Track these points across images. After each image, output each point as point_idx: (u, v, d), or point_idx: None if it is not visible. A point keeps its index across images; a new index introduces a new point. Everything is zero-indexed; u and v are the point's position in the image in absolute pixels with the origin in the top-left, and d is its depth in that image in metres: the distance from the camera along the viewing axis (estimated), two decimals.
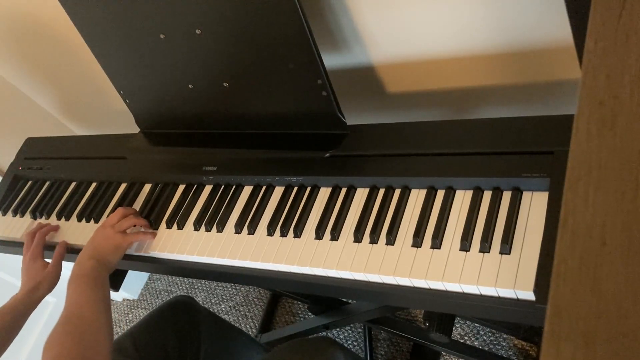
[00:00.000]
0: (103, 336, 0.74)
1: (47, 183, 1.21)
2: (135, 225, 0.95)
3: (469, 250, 0.71)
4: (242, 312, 1.69)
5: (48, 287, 0.95)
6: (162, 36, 0.91)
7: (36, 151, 1.28)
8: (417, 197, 0.80)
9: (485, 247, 0.70)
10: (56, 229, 1.08)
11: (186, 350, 1.01)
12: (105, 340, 0.74)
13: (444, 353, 1.32)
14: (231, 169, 0.98)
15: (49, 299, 1.66)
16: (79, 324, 0.74)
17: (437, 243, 0.73)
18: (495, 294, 0.67)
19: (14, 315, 0.90)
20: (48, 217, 1.13)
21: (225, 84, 0.94)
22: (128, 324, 1.84)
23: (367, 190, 0.85)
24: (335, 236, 0.81)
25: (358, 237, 0.79)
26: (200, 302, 1.51)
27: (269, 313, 1.62)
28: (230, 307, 1.72)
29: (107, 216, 1.04)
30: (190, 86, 0.98)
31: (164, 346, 0.99)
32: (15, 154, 1.31)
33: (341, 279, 0.78)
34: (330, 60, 1.03)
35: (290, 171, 0.91)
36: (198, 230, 0.94)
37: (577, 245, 0.37)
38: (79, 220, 1.08)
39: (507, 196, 0.74)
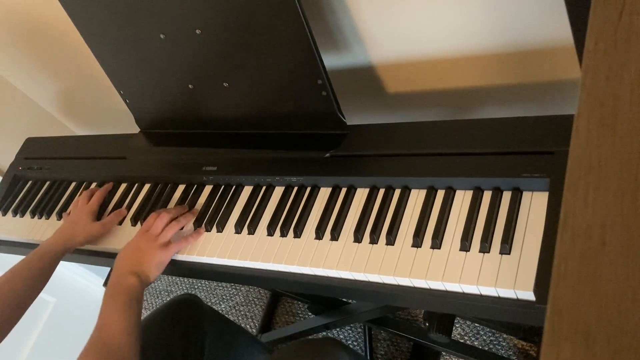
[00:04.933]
0: None
1: (47, 183, 1.21)
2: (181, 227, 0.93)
3: (469, 250, 0.71)
4: (242, 312, 1.69)
5: (82, 242, 0.95)
6: (162, 36, 0.91)
7: (36, 151, 1.28)
8: (417, 197, 0.80)
9: (485, 247, 0.70)
10: (110, 187, 1.08)
11: (190, 348, 1.01)
12: None
13: (444, 353, 1.32)
14: (231, 169, 0.98)
15: (49, 298, 1.67)
16: (114, 350, 0.73)
17: (437, 243, 0.73)
18: (495, 294, 0.67)
19: (46, 259, 0.90)
20: (48, 217, 1.13)
21: (225, 84, 0.94)
22: None
23: (367, 190, 0.85)
24: (335, 236, 0.81)
25: (358, 237, 0.79)
26: None
27: (269, 313, 1.62)
28: (230, 307, 1.72)
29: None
30: (190, 86, 0.98)
31: (168, 344, 0.99)
32: (15, 154, 1.31)
33: (341, 279, 0.78)
34: (330, 60, 1.03)
35: (290, 171, 0.91)
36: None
37: (577, 245, 0.37)
38: None
39: (507, 196, 0.74)
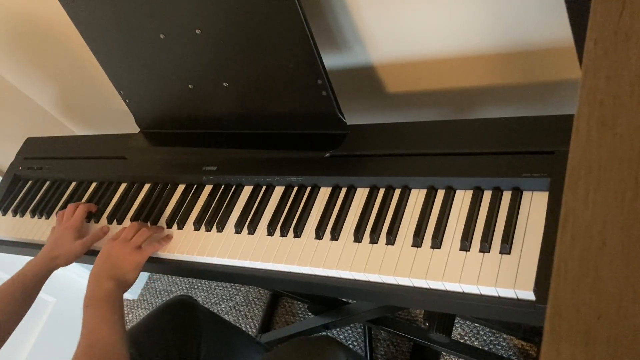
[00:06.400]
0: None
1: (47, 183, 1.21)
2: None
3: (469, 250, 0.71)
4: (242, 312, 1.69)
5: (64, 262, 0.95)
6: (162, 36, 0.91)
7: (36, 151, 1.28)
8: (417, 197, 0.80)
9: (485, 247, 0.70)
10: (94, 208, 1.08)
11: (186, 349, 1.01)
12: None
13: (444, 353, 1.32)
14: (231, 169, 0.98)
15: (49, 299, 1.67)
16: (104, 353, 0.73)
17: (437, 243, 0.73)
18: (495, 294, 0.67)
19: (30, 282, 0.90)
20: (48, 217, 1.13)
21: (225, 84, 0.94)
22: (128, 324, 1.83)
23: (367, 190, 0.85)
24: (335, 236, 0.81)
25: (358, 237, 0.79)
26: (200, 302, 1.50)
27: (269, 313, 1.62)
28: (230, 307, 1.72)
29: (108, 215, 1.05)
30: (190, 86, 0.98)
31: (165, 346, 0.99)
32: (15, 154, 1.31)
33: (341, 278, 0.78)
34: (330, 60, 1.03)
35: (290, 171, 0.91)
36: (198, 230, 0.94)
37: (577, 245, 0.37)
38: None
39: (507, 196, 0.74)
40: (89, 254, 1.01)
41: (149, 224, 1.00)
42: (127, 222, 1.03)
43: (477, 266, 0.69)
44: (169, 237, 0.94)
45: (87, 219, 1.07)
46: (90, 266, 0.88)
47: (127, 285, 0.85)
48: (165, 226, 0.98)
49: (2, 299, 0.87)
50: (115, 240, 0.90)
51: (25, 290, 0.90)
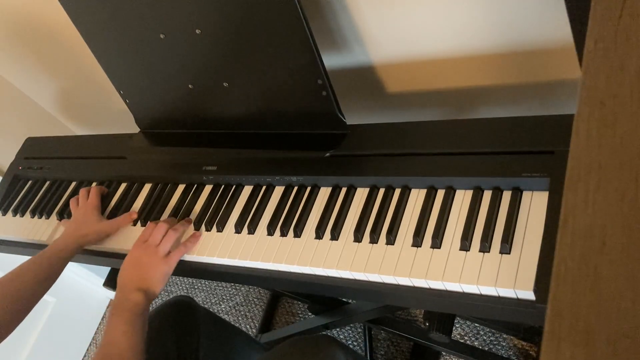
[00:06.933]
0: None
1: (47, 183, 1.21)
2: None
3: (469, 250, 0.71)
4: (242, 312, 1.69)
5: (95, 240, 0.95)
6: (162, 36, 0.91)
7: (36, 151, 1.28)
8: (417, 197, 0.80)
9: (485, 247, 0.70)
10: (105, 191, 1.09)
11: (185, 350, 1.01)
12: None
13: (444, 353, 1.32)
14: (231, 169, 0.98)
15: (48, 298, 1.67)
16: None
17: (437, 243, 0.73)
18: (495, 294, 0.67)
19: (55, 260, 0.91)
20: (48, 217, 1.13)
21: (225, 84, 0.94)
22: None
23: (367, 190, 0.85)
24: (335, 236, 0.81)
25: (358, 237, 0.79)
26: (200, 302, 1.51)
27: (269, 313, 1.62)
28: (230, 307, 1.72)
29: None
30: (190, 86, 0.98)
31: (163, 346, 0.99)
32: (15, 154, 1.31)
33: (341, 278, 0.78)
34: (330, 60, 1.03)
35: (290, 171, 0.91)
36: (198, 230, 0.94)
37: (577, 245, 0.37)
38: None
39: (507, 196, 0.74)
40: (93, 254, 1.01)
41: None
42: None
43: (477, 266, 0.69)
44: (195, 236, 0.92)
45: None
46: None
47: (154, 296, 0.84)
48: None
49: (26, 275, 0.88)
50: (144, 243, 0.87)
51: (51, 268, 0.90)
